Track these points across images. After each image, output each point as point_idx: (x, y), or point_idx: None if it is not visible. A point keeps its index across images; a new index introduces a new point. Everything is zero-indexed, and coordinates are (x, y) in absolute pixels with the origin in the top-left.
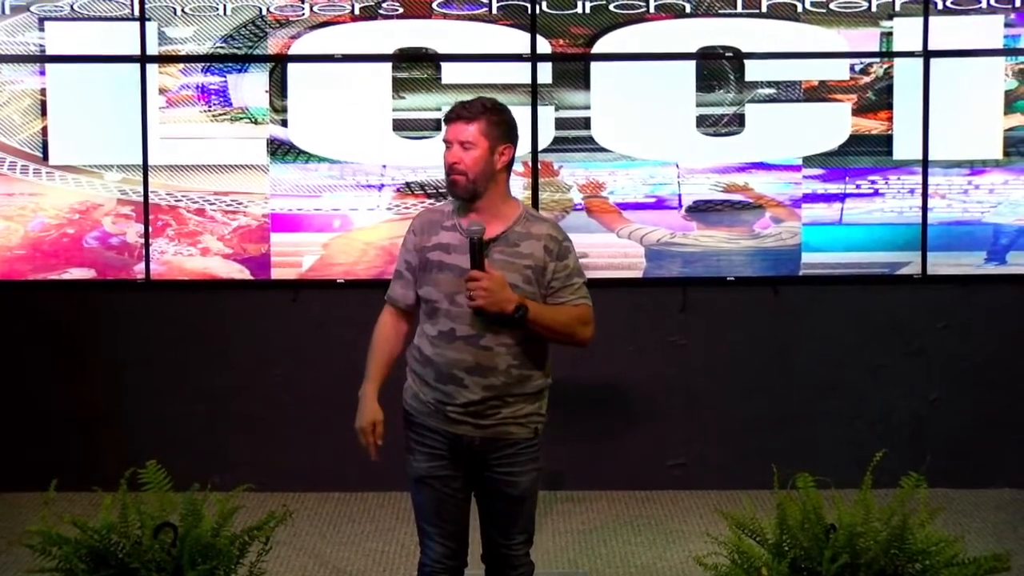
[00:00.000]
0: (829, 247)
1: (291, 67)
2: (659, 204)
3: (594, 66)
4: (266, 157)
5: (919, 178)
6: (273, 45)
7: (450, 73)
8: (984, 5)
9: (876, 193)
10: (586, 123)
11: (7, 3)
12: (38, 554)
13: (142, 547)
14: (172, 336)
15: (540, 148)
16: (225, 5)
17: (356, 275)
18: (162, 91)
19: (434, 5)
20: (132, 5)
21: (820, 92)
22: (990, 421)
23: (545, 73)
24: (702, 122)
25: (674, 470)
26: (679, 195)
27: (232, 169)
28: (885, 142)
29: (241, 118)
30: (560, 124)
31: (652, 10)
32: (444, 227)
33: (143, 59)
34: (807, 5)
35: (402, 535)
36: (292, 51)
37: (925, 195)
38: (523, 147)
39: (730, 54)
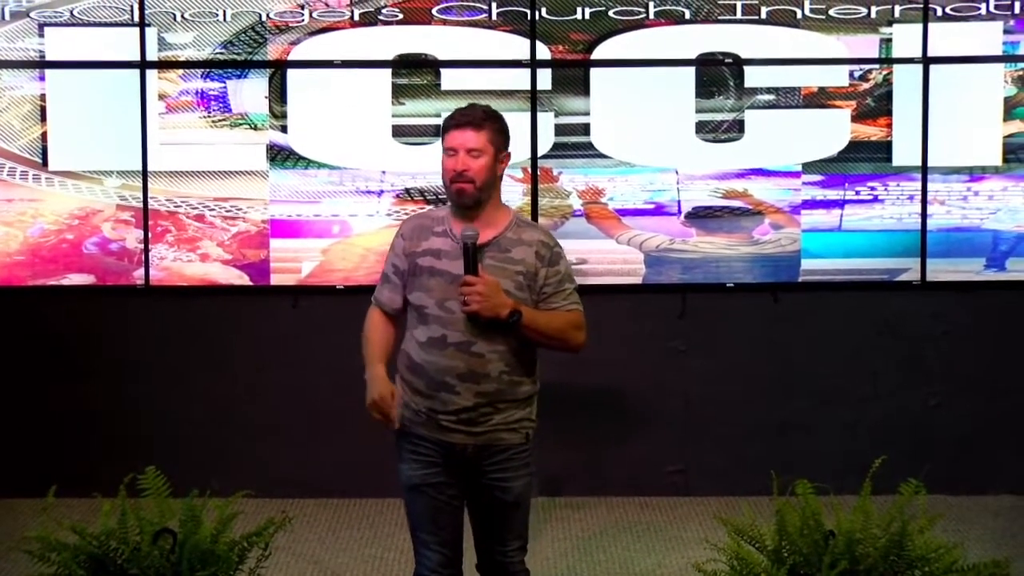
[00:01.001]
0: (828, 253)
1: (291, 73)
2: (658, 210)
3: (593, 72)
4: (266, 163)
5: (918, 184)
6: (273, 51)
7: (450, 79)
8: (983, 12)
9: (875, 199)
10: (585, 129)
11: (7, 9)
12: (37, 560)
13: (141, 553)
14: (171, 342)
15: (539, 154)
16: (225, 11)
17: (356, 281)
18: (162, 97)
19: (434, 11)
20: (132, 11)
21: (819, 98)
22: (989, 427)
23: (545, 79)
24: (701, 128)
25: (673, 476)
26: (678, 201)
27: (232, 175)
28: (884, 148)
29: (241, 124)
30: (559, 130)
31: (651, 16)
32: (435, 232)
33: (143, 65)
34: (806, 11)
35: (400, 541)
36: (292, 57)
37: (924, 201)
38: (523, 153)
39: (729, 60)
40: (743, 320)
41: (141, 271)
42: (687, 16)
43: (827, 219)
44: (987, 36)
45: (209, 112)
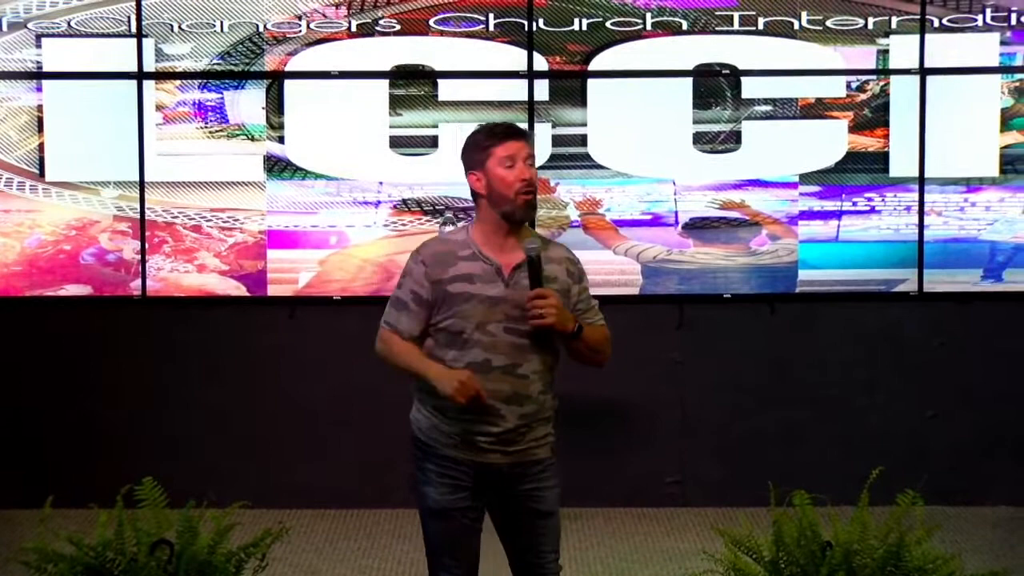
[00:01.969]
0: (826, 264)
1: (288, 84)
2: (656, 221)
3: (591, 83)
4: (263, 174)
5: (915, 195)
6: (270, 62)
7: (447, 90)
8: (980, 23)
9: (872, 210)
10: (583, 140)
11: (4, 20)
12: (34, 571)
13: (138, 564)
14: (168, 353)
15: (536, 165)
16: (222, 22)
17: (353, 292)
18: (159, 108)
19: (431, 22)
20: (129, 22)
21: (817, 109)
22: (987, 438)
23: (542, 90)
24: (699, 139)
25: (671, 487)
26: (676, 212)
27: (229, 186)
28: (881, 159)
29: (238, 135)
30: (557, 141)
31: (649, 27)
32: (461, 257)
33: (140, 76)
34: (804, 23)
35: (398, 552)
36: (289, 68)
37: (921, 212)
38: None
39: (727, 71)
40: (740, 331)
41: (138, 282)
42: (684, 27)
43: (824, 230)
44: (984, 47)
45: (206, 123)
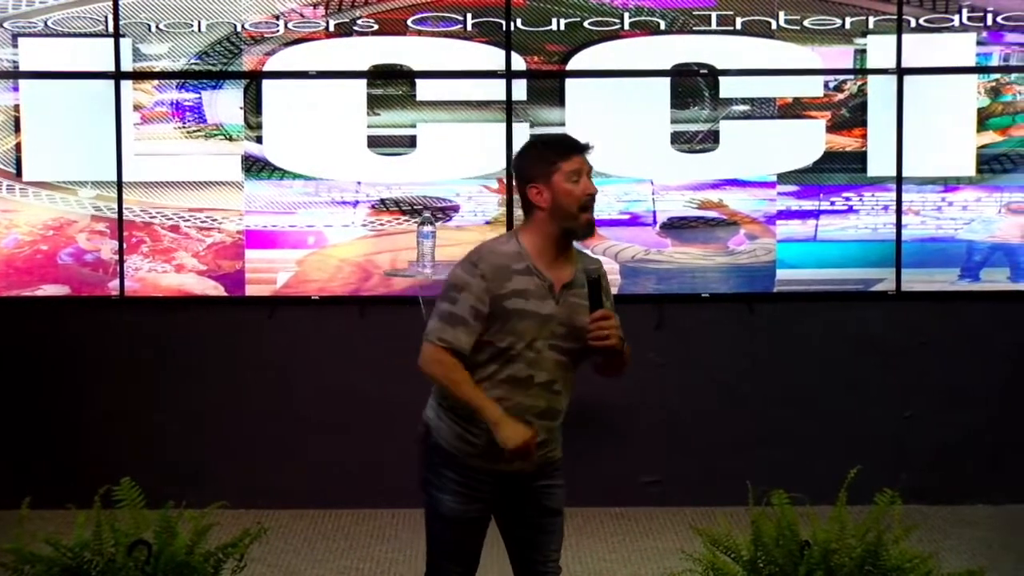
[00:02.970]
0: (804, 264)
1: (266, 84)
2: (634, 221)
3: (569, 83)
4: (241, 174)
5: (893, 195)
6: (248, 62)
7: (425, 90)
8: (956, 23)
9: (850, 210)
10: None
11: None
12: (11, 573)
13: (116, 565)
14: (146, 353)
15: None
16: (200, 22)
17: (331, 292)
18: (136, 108)
19: (409, 22)
20: (106, 21)
21: (794, 109)
22: (964, 438)
23: (520, 90)
24: (677, 139)
25: (649, 487)
26: (654, 212)
27: (207, 186)
28: (859, 159)
29: (216, 135)
30: None
31: (627, 27)
32: (516, 271)
33: (117, 75)
34: (781, 22)
35: (377, 552)
36: (267, 68)
37: (899, 212)
38: (498, 164)
39: (704, 71)
40: (719, 331)
41: (116, 282)
42: (662, 27)
43: (802, 229)
44: (960, 47)
45: (184, 123)
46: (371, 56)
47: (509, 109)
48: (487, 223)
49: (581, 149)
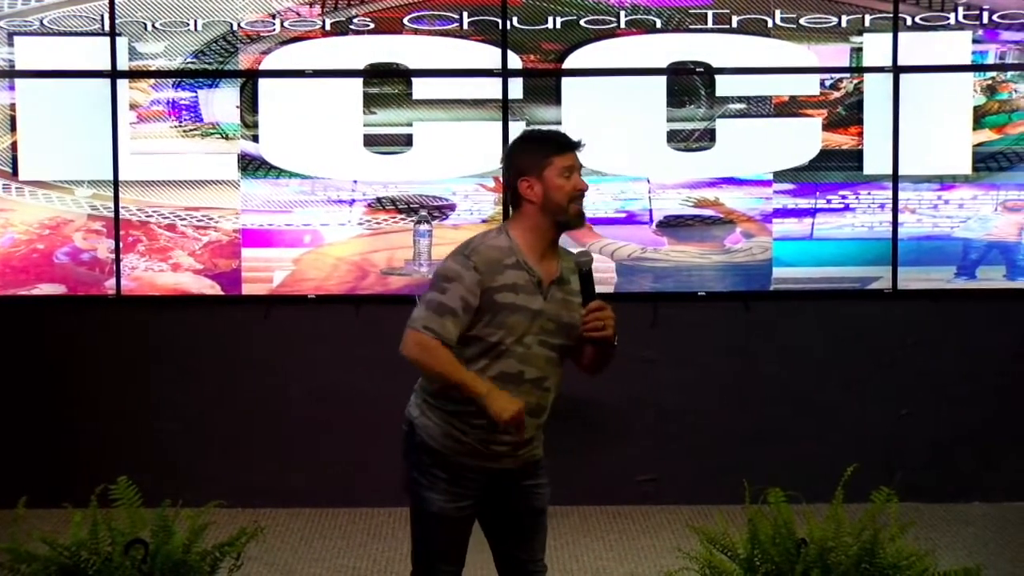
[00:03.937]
0: (800, 262)
1: (262, 82)
2: (630, 219)
3: (565, 81)
4: (237, 172)
5: (889, 193)
6: (244, 60)
7: (421, 88)
8: (952, 21)
9: (846, 208)
10: None
11: None
12: (7, 572)
13: (113, 564)
14: (143, 352)
15: None
16: (196, 20)
17: (327, 290)
18: (133, 106)
19: (405, 21)
20: (103, 20)
21: (790, 107)
22: (960, 436)
23: (516, 88)
24: (673, 137)
25: (645, 485)
26: (650, 210)
27: (203, 184)
28: (855, 157)
29: (212, 133)
30: None
31: (623, 26)
32: (507, 265)
33: (114, 74)
34: (777, 21)
35: (374, 551)
36: (263, 66)
37: (895, 210)
38: (494, 162)
39: (701, 69)
40: (715, 329)
41: (112, 281)
42: (658, 25)
43: (798, 228)
44: (956, 46)
45: (180, 122)
46: (367, 55)
47: (505, 108)
48: (483, 221)
49: (574, 146)
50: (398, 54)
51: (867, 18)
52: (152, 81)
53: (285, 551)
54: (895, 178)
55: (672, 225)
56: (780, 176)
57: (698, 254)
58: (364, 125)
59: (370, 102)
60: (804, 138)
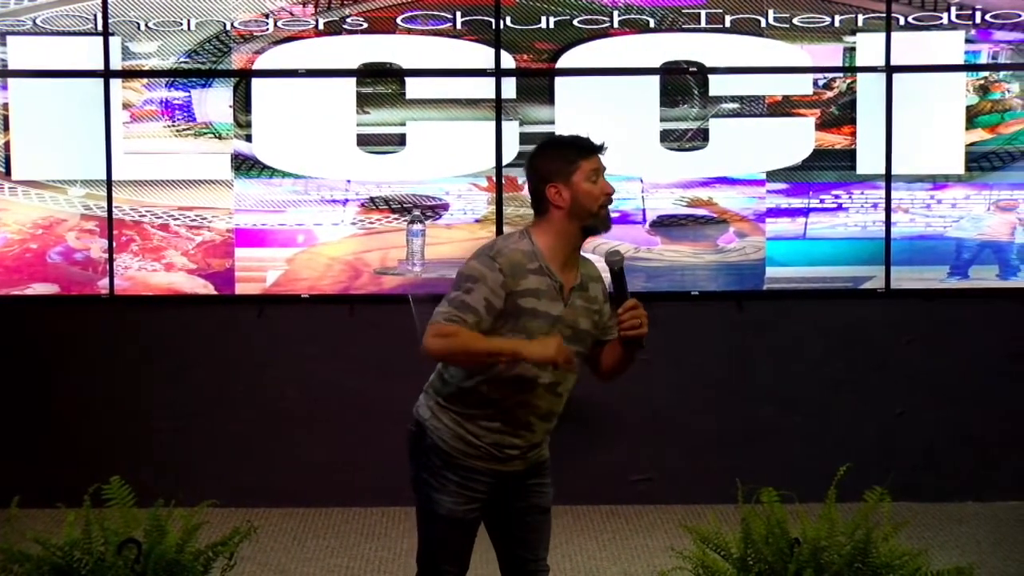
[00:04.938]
0: (793, 261)
1: (255, 82)
2: (623, 219)
3: (558, 81)
4: (230, 172)
5: (882, 192)
6: (237, 60)
7: (414, 88)
8: (945, 21)
9: (840, 208)
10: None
11: None
12: (0, 572)
13: (106, 564)
14: (136, 351)
15: (504, 163)
16: (189, 20)
17: (321, 290)
18: (126, 106)
19: (398, 20)
20: (96, 20)
21: (784, 107)
22: (954, 435)
23: (509, 88)
24: (666, 137)
25: (639, 485)
26: (643, 210)
27: (196, 184)
28: (848, 157)
29: (205, 133)
30: (524, 139)
31: (616, 25)
32: (530, 270)
33: (107, 74)
34: (771, 20)
35: (367, 551)
36: (256, 66)
37: (888, 209)
38: (488, 162)
39: (694, 69)
40: (708, 329)
41: (106, 281)
42: (651, 25)
43: (792, 227)
44: (949, 45)
45: (173, 121)
46: (360, 54)
47: (499, 107)
48: (477, 221)
49: (598, 149)
50: (391, 54)
51: (860, 18)
52: (145, 81)
53: (278, 551)
54: (888, 178)
55: (665, 225)
56: (773, 176)
57: (691, 254)
58: (357, 125)
59: (363, 102)
60: (797, 138)
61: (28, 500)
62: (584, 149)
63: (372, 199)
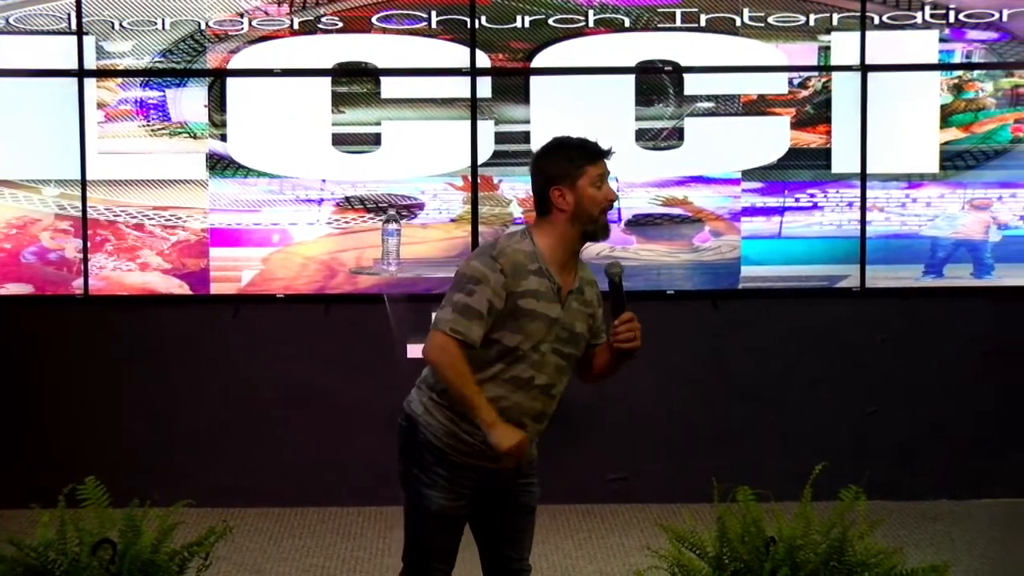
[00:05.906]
0: (768, 260)
1: (230, 81)
2: None
3: (533, 80)
4: (205, 172)
5: (857, 191)
6: (212, 60)
7: (390, 87)
8: (919, 20)
9: (815, 206)
10: (526, 137)
11: None
12: None
13: (80, 564)
14: (111, 352)
15: (480, 162)
16: (164, 19)
17: (296, 290)
18: (100, 106)
19: (374, 19)
20: (69, 19)
21: (759, 106)
22: (928, 434)
23: (485, 87)
24: (641, 136)
25: (614, 484)
26: (618, 209)
27: (171, 184)
28: (824, 156)
29: (180, 133)
30: (500, 138)
31: (591, 24)
32: (530, 271)
33: (81, 73)
34: (745, 19)
35: (342, 550)
36: (231, 65)
37: (863, 208)
38: (463, 161)
39: (669, 68)
40: (683, 328)
41: (80, 281)
42: (627, 24)
43: (767, 226)
44: (923, 44)
45: (148, 121)
46: (336, 54)
47: (474, 106)
48: (452, 221)
49: (605, 154)
50: (366, 53)
51: (835, 17)
52: (120, 80)
53: (254, 550)
54: (863, 176)
55: (641, 224)
56: (748, 175)
57: (667, 252)
58: (333, 124)
59: (338, 101)
60: (772, 137)
61: (2, 501)
62: (591, 154)
63: (347, 198)
